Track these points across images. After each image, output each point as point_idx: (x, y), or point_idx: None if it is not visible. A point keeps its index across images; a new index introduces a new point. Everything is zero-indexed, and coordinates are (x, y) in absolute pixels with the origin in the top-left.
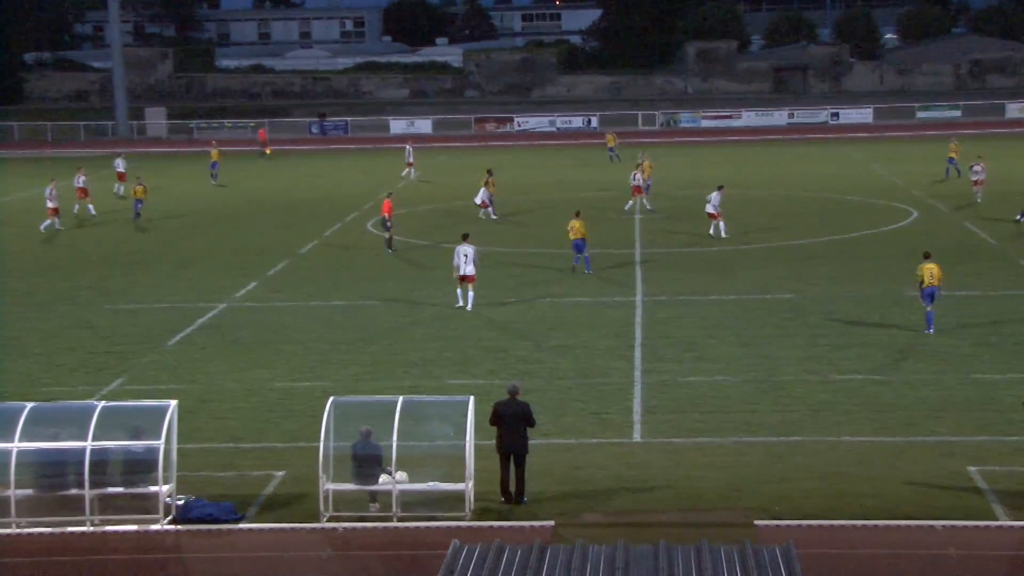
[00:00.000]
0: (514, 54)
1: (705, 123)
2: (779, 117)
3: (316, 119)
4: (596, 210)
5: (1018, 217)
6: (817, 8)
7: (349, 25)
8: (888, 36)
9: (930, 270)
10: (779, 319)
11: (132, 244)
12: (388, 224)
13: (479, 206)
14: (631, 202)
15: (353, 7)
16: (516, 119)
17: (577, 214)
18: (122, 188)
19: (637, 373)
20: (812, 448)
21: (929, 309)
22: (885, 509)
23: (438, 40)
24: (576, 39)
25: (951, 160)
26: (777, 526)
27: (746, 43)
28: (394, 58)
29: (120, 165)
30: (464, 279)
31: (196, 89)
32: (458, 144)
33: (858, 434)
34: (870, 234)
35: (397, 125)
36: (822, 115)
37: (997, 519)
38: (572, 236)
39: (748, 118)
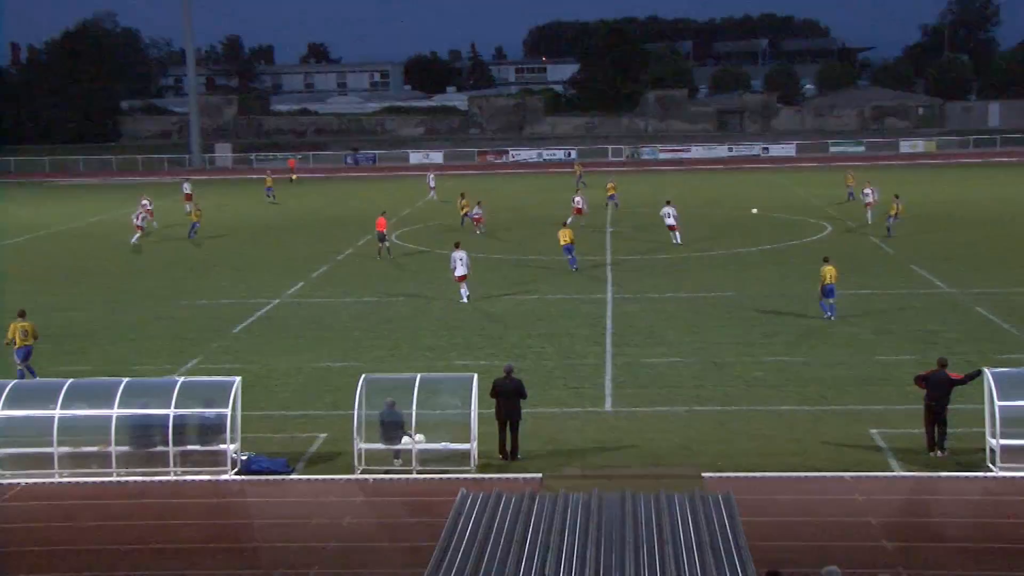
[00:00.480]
0: (509, 100)
1: (662, 155)
2: (721, 150)
3: (350, 152)
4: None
5: (887, 232)
6: (751, 64)
7: (377, 77)
8: (807, 87)
9: (829, 271)
10: (721, 312)
11: (201, 252)
12: (383, 237)
13: (475, 222)
14: (571, 218)
15: (380, 62)
16: (511, 152)
17: (565, 224)
18: (189, 206)
19: (608, 356)
20: (747, 415)
21: (831, 301)
22: (805, 464)
23: (448, 88)
24: (559, 87)
25: (850, 187)
26: (720, 478)
27: (695, 91)
28: (413, 103)
29: (187, 187)
30: (461, 278)
31: (255, 128)
32: (464, 172)
33: (784, 404)
34: (794, 244)
35: (415, 156)
36: (755, 149)
37: (892, 471)
38: (563, 241)
39: (696, 151)
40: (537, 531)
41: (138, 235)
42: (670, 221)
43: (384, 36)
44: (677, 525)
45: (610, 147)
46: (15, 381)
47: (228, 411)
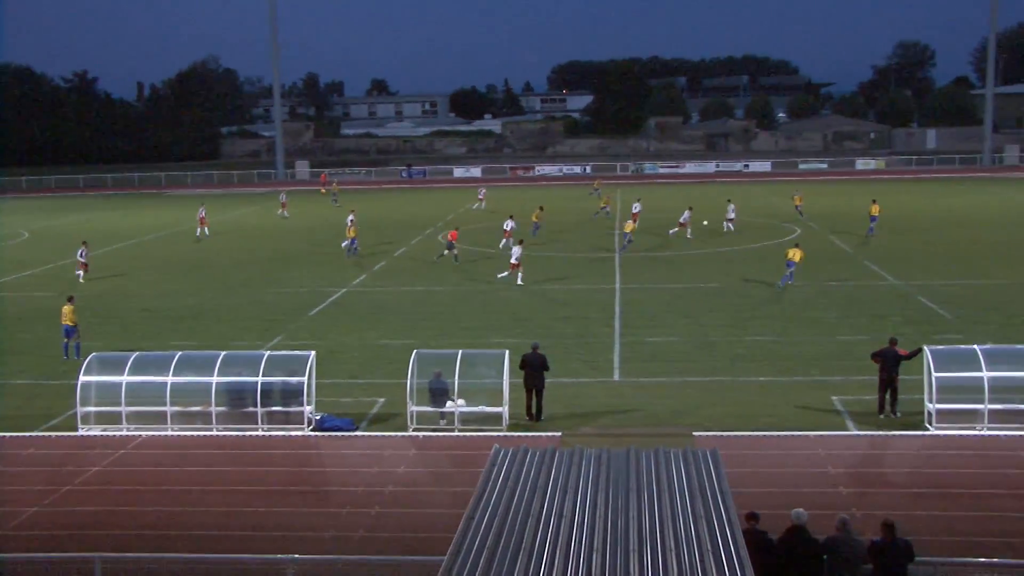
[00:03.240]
0: (535, 124)
1: (661, 170)
2: (710, 167)
3: (405, 168)
4: (584, 228)
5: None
6: (735, 96)
7: (428, 106)
8: (780, 115)
9: (792, 251)
10: (710, 299)
11: (286, 249)
12: (452, 245)
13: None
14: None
15: (430, 94)
16: (536, 168)
17: (540, 208)
18: (285, 212)
19: (616, 335)
20: (731, 385)
21: (788, 272)
22: (778, 424)
23: (485, 115)
24: (576, 115)
25: (798, 207)
26: (708, 436)
27: (688, 118)
28: (456, 127)
29: (283, 197)
30: (513, 266)
31: (328, 149)
32: (498, 184)
33: (761, 375)
34: (771, 243)
35: (458, 171)
36: (738, 166)
37: (849, 430)
38: (627, 229)
39: (689, 167)
40: (558, 479)
41: (349, 242)
42: (683, 219)
43: (434, 72)
44: (672, 475)
45: (618, 164)
46: (138, 353)
47: (305, 379)
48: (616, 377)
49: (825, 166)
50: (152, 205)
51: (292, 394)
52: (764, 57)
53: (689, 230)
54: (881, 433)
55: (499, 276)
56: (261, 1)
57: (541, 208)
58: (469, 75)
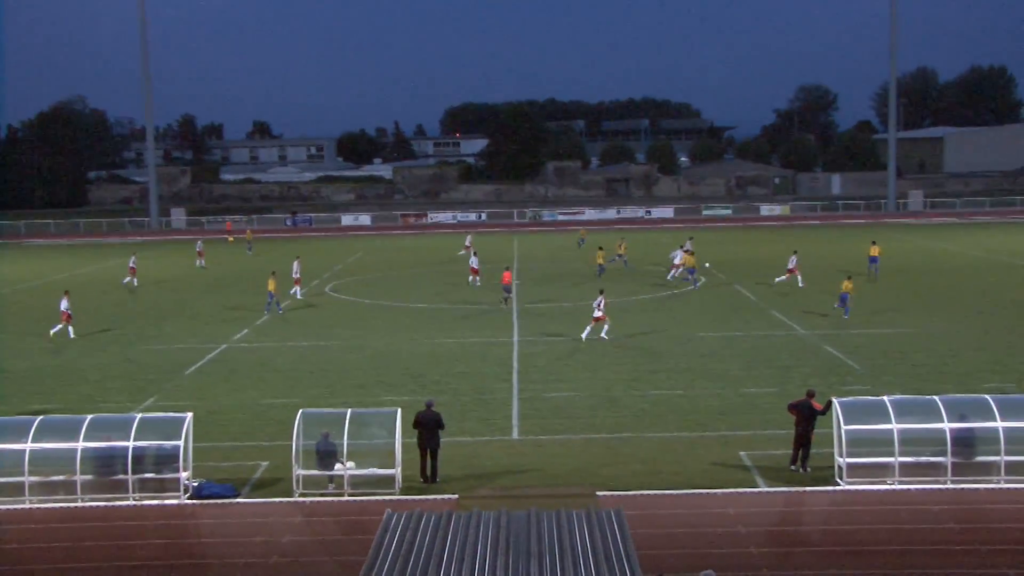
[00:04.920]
0: (428, 170)
1: (560, 217)
2: (610, 213)
3: (290, 215)
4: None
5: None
6: (635, 140)
7: (313, 150)
8: (683, 159)
9: (847, 283)
10: (612, 352)
11: (163, 303)
12: (507, 289)
13: (473, 271)
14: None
15: (316, 137)
16: (429, 215)
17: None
18: (203, 261)
19: (514, 391)
20: (635, 441)
21: (838, 305)
22: (685, 482)
23: (375, 160)
24: (471, 160)
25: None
26: (612, 496)
27: (587, 163)
28: (344, 173)
29: (199, 245)
30: (596, 319)
31: (206, 195)
32: (390, 232)
33: (666, 431)
34: (676, 293)
35: (346, 219)
36: (639, 212)
37: (758, 487)
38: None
39: (590, 214)
40: (454, 545)
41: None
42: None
43: (320, 115)
44: (575, 537)
45: (515, 211)
46: None
47: (181, 443)
48: (515, 435)
49: (729, 212)
50: (9, 256)
51: (167, 460)
52: (664, 100)
53: (800, 277)
54: (792, 490)
55: (584, 336)
56: (132, 37)
57: (624, 244)
58: (357, 118)
